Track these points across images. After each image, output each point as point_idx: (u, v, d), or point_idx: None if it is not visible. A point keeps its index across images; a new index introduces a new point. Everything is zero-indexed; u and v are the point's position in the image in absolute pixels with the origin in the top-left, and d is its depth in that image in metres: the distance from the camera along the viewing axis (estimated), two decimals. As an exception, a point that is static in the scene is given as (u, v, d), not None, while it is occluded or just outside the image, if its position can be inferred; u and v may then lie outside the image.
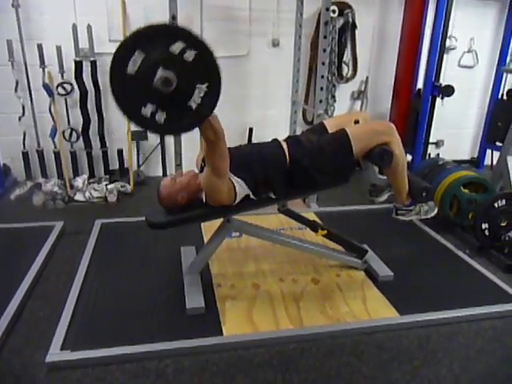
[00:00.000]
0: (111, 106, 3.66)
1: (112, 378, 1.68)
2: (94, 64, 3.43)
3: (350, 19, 3.84)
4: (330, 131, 2.10)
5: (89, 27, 3.32)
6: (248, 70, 3.83)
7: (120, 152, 3.76)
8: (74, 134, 3.55)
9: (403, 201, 2.21)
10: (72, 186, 3.48)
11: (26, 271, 2.29)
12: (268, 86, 3.94)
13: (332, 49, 3.82)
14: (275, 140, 2.08)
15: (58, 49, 3.30)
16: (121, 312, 2.05)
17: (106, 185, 3.49)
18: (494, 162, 3.84)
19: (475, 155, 4.66)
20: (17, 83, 3.37)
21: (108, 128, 3.70)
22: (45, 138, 3.54)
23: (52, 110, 3.42)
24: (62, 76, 3.39)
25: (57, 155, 3.54)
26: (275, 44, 3.85)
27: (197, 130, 1.66)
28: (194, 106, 1.45)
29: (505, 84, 4.17)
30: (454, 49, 4.18)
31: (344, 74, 4.07)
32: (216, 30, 3.62)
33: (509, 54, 4.15)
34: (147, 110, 1.41)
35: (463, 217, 2.90)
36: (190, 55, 1.39)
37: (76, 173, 3.65)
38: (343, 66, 4.03)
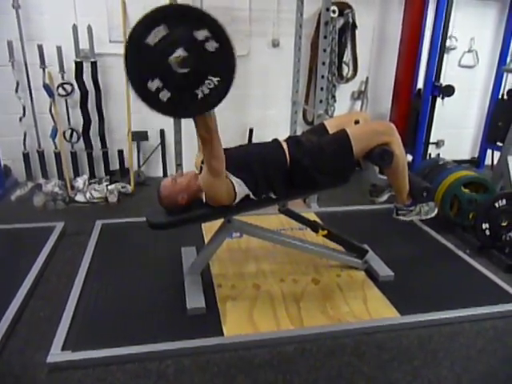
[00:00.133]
0: (112, 106, 3.67)
1: (113, 378, 1.68)
2: (94, 64, 3.43)
3: (350, 19, 3.84)
4: (330, 132, 2.10)
5: (89, 28, 3.33)
6: (248, 70, 3.84)
7: (120, 152, 3.76)
8: (75, 134, 3.55)
9: (404, 201, 2.21)
10: (73, 187, 3.48)
11: (27, 272, 2.29)
12: (268, 86, 3.94)
13: (332, 49, 3.82)
14: (275, 140, 2.08)
15: (59, 49, 3.30)
16: (121, 312, 2.06)
17: (107, 185, 3.50)
18: (495, 162, 3.84)
19: (476, 155, 4.67)
20: (17, 84, 3.37)
21: (108, 128, 3.71)
22: (45, 139, 3.54)
23: (52, 110, 3.42)
24: (63, 76, 3.39)
25: (57, 156, 3.55)
26: (275, 44, 3.85)
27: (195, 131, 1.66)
28: (200, 95, 1.45)
29: (505, 84, 4.18)
30: (454, 49, 4.18)
31: (344, 74, 4.07)
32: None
33: (509, 54, 4.15)
34: (153, 85, 1.40)
35: (464, 217, 2.90)
36: (211, 46, 1.39)
37: (76, 173, 3.66)
38: (343, 66, 4.03)
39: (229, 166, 1.80)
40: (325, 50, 2.98)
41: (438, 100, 3.83)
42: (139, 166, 3.87)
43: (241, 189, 1.89)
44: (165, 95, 1.42)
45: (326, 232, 2.39)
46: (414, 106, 3.94)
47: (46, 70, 3.34)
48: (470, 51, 4.26)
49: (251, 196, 1.94)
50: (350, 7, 3.82)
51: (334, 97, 4.02)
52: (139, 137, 3.74)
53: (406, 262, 2.56)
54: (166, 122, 3.52)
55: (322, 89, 3.04)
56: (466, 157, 4.69)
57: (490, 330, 2.03)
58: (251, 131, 3.98)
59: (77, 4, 3.39)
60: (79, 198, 3.39)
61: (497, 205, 2.66)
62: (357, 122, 2.12)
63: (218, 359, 1.79)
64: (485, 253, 2.70)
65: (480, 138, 4.56)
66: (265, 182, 1.94)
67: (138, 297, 2.18)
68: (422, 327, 2.02)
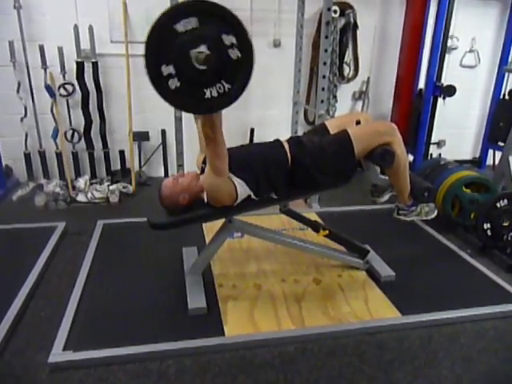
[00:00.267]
0: (113, 106, 3.68)
1: (114, 378, 1.68)
2: (95, 65, 3.43)
3: (352, 19, 3.84)
4: (331, 132, 2.10)
5: (90, 28, 3.33)
6: (249, 70, 3.83)
7: (122, 153, 3.76)
8: (76, 134, 3.56)
9: (405, 201, 2.20)
10: (74, 187, 3.48)
11: (29, 272, 2.30)
12: (269, 86, 3.94)
13: (333, 49, 3.82)
14: (277, 140, 2.08)
15: (60, 50, 3.31)
16: (123, 312, 2.06)
17: (108, 185, 3.50)
18: (496, 162, 3.83)
19: (477, 155, 4.66)
20: (19, 84, 3.38)
21: (110, 129, 3.71)
22: (47, 139, 3.55)
23: (54, 110, 3.43)
24: (64, 77, 3.40)
25: (59, 156, 3.55)
26: (276, 44, 3.85)
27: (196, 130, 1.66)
28: (207, 95, 1.45)
29: (507, 84, 4.17)
30: (455, 49, 4.17)
31: (345, 74, 4.06)
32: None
33: (510, 54, 4.14)
34: (166, 70, 1.39)
35: (465, 217, 2.90)
36: (234, 54, 1.41)
37: (78, 173, 3.66)
38: (344, 66, 4.03)
39: (230, 165, 1.80)
40: (326, 50, 2.98)
41: (440, 100, 3.83)
42: (140, 167, 3.87)
43: (242, 190, 1.89)
44: (174, 83, 1.41)
45: (327, 232, 2.39)
46: (416, 106, 3.94)
47: (48, 70, 3.35)
48: (471, 51, 4.25)
49: (253, 196, 1.94)
50: (351, 7, 3.82)
51: (335, 97, 4.02)
52: (140, 137, 3.74)
53: (408, 262, 2.56)
54: (168, 123, 3.52)
55: (323, 89, 3.04)
56: (468, 157, 4.68)
57: (490, 330, 2.03)
58: (252, 131, 3.98)
59: (78, 4, 3.39)
60: (80, 198, 3.40)
61: (498, 205, 2.66)
62: (358, 123, 2.12)
63: (219, 359, 1.79)
64: (486, 253, 2.70)
65: (481, 138, 4.55)
66: (266, 182, 1.94)
67: (139, 297, 2.18)
68: (423, 327, 2.02)
